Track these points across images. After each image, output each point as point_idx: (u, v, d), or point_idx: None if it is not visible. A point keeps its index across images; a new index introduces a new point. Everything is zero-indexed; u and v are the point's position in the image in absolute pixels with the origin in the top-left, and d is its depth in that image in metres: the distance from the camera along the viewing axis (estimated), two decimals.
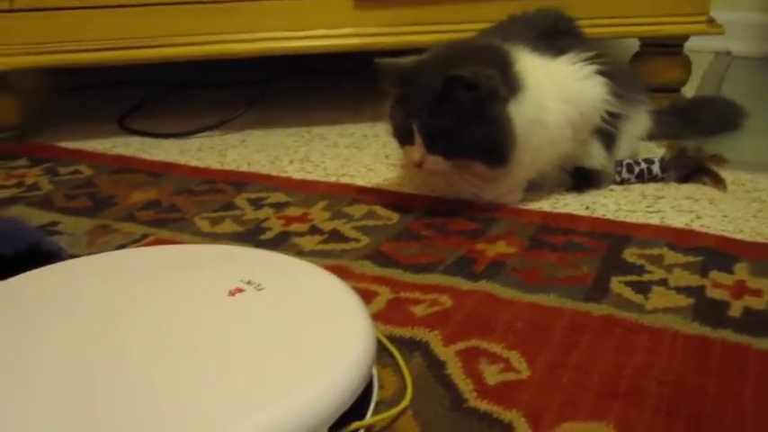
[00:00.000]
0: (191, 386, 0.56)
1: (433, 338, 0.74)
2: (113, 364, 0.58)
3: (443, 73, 0.96)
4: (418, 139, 0.98)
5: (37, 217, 1.07)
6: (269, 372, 0.57)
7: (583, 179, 1.14)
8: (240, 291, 0.67)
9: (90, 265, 0.75)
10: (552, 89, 1.03)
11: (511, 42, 1.05)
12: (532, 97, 1.00)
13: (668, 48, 1.54)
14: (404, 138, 1.01)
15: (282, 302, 0.66)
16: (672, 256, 0.91)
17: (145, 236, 1.00)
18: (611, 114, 1.09)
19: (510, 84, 0.99)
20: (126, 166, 1.27)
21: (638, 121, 1.18)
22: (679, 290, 0.83)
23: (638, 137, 1.20)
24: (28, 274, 0.72)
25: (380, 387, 0.66)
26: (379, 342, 0.68)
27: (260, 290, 0.67)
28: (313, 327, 0.63)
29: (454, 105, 0.96)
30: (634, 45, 1.59)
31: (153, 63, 1.39)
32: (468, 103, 0.96)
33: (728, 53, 2.02)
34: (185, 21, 1.36)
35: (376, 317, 0.78)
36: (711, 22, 1.51)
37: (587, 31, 1.49)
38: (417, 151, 0.99)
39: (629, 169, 1.15)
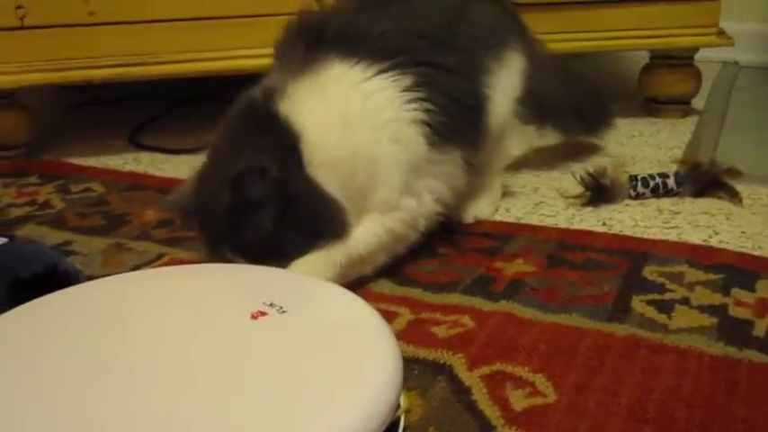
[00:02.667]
0: (215, 414, 0.55)
1: (457, 362, 0.73)
2: (133, 390, 0.58)
3: (218, 179, 0.82)
4: (240, 261, 0.82)
5: (51, 236, 1.06)
6: (297, 399, 0.56)
7: (597, 191, 1.13)
8: (263, 314, 0.66)
9: (108, 287, 0.75)
10: (357, 112, 0.87)
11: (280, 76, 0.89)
12: (320, 136, 0.84)
13: (678, 60, 1.54)
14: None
15: (307, 326, 0.65)
16: (692, 274, 0.90)
17: (161, 255, 0.99)
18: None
19: (289, 141, 0.83)
20: (138, 183, 1.26)
21: (510, 73, 1.02)
22: (702, 308, 0.82)
23: (514, 85, 1.03)
24: (47, 297, 0.71)
25: (407, 411, 0.66)
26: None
27: (283, 312, 0.67)
28: (340, 352, 0.62)
29: (254, 207, 0.81)
30: (644, 57, 1.59)
31: (163, 78, 1.38)
32: (267, 194, 0.81)
33: (736, 63, 2.02)
34: (195, 37, 1.36)
35: (398, 337, 0.77)
36: (721, 33, 1.51)
37: (597, 44, 1.51)
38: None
39: (644, 184, 1.15)
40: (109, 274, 0.93)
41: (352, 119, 0.86)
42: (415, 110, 0.89)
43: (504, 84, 1.01)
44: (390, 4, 0.96)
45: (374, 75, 0.88)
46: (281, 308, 0.67)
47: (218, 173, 0.84)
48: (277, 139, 0.84)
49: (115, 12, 1.32)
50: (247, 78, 1.51)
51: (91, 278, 0.92)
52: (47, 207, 1.17)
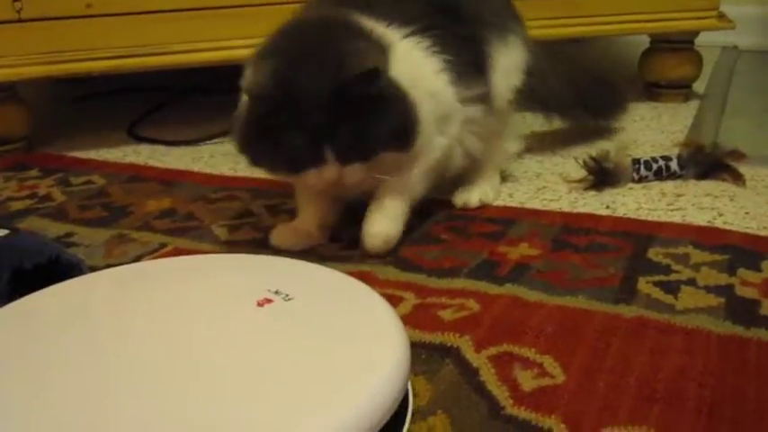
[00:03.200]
0: (223, 401, 0.55)
1: (464, 344, 0.73)
2: (139, 380, 0.57)
3: (329, 73, 0.83)
4: (330, 156, 0.84)
5: (52, 228, 1.06)
6: (305, 386, 0.56)
7: (600, 175, 1.13)
8: (269, 301, 0.66)
9: (112, 278, 0.74)
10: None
11: (355, 10, 0.92)
12: (403, 59, 0.89)
13: (678, 44, 1.53)
14: (305, 163, 0.85)
15: (313, 313, 0.65)
16: (698, 255, 0.90)
17: (163, 245, 0.99)
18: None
19: (383, 51, 0.87)
20: (138, 175, 1.26)
21: (511, 54, 1.04)
22: (708, 289, 0.82)
23: (515, 69, 1.05)
24: (51, 288, 0.71)
25: (414, 395, 0.65)
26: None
27: (289, 300, 0.66)
28: (347, 338, 0.62)
29: (357, 103, 0.83)
30: (644, 42, 1.59)
31: (162, 70, 1.38)
32: (372, 95, 0.84)
33: (735, 47, 2.01)
34: (193, 27, 1.35)
35: (403, 322, 0.77)
36: (722, 17, 1.51)
37: (597, 29, 1.50)
38: (332, 170, 0.85)
39: (647, 167, 1.14)
40: (112, 265, 0.93)
41: (404, 65, 0.90)
42: (438, 62, 0.93)
43: (506, 62, 1.03)
44: None
45: (404, 36, 0.92)
46: (287, 295, 0.67)
47: (320, 65, 0.84)
48: (375, 46, 0.87)
49: (112, 3, 1.32)
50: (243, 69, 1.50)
51: (93, 269, 0.92)
52: (47, 200, 1.17)
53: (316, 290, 0.69)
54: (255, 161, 0.90)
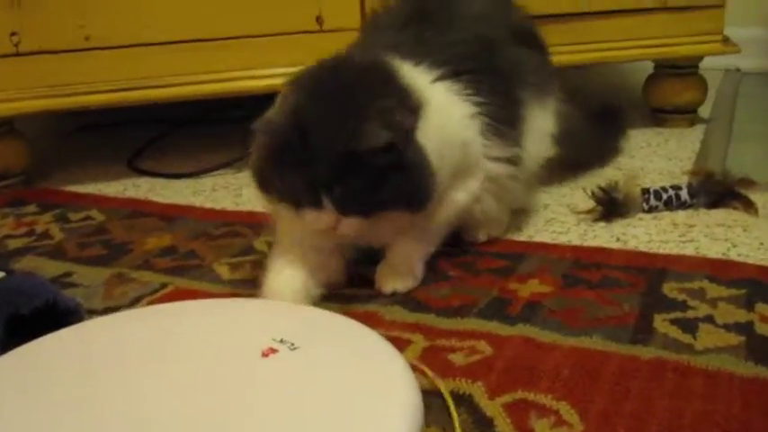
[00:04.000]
0: None
1: (477, 391, 0.70)
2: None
3: (341, 126, 0.79)
4: (328, 206, 0.81)
5: (50, 268, 1.03)
6: None
7: (609, 206, 1.10)
8: (274, 351, 0.64)
9: (110, 326, 0.72)
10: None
11: (389, 50, 0.90)
12: (437, 115, 0.86)
13: (683, 69, 1.52)
14: (303, 202, 0.82)
15: (320, 364, 0.63)
16: (714, 290, 0.87)
17: (164, 285, 0.96)
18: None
19: (413, 108, 0.84)
20: (138, 210, 1.24)
21: (546, 118, 1.04)
22: (727, 327, 0.79)
23: (546, 134, 1.04)
24: (50, 336, 0.69)
25: None
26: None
27: (294, 349, 0.64)
28: (354, 393, 0.59)
29: (366, 162, 0.79)
30: (648, 67, 1.57)
31: (160, 103, 1.36)
32: (385, 156, 0.80)
33: (738, 70, 2.00)
34: (191, 59, 1.34)
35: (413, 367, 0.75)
36: (726, 41, 1.49)
37: (601, 55, 1.49)
38: (328, 216, 0.82)
39: (657, 196, 1.12)
40: (111, 307, 0.91)
41: (458, 125, 0.90)
42: (471, 107, 0.92)
43: (540, 128, 1.03)
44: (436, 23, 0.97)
45: (437, 79, 0.91)
46: (293, 344, 0.65)
47: (338, 114, 0.80)
48: (405, 102, 0.84)
49: (111, 36, 1.30)
50: (248, 98, 1.49)
51: (92, 312, 0.90)
52: (46, 237, 1.14)
53: (322, 338, 0.66)
54: (263, 190, 0.87)
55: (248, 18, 1.35)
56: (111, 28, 1.30)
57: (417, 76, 0.88)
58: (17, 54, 1.27)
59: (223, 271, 1.00)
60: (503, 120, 0.95)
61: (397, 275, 0.91)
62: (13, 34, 1.27)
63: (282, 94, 0.86)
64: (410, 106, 0.83)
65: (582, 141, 1.21)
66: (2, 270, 0.89)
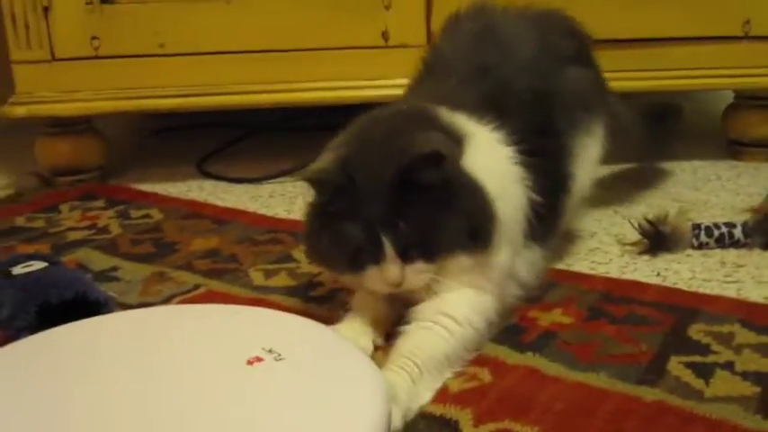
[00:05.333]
0: None
1: (464, 417, 0.70)
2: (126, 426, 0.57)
3: (391, 159, 0.77)
4: (390, 251, 0.77)
5: (100, 261, 1.09)
6: None
7: (655, 239, 1.07)
8: (259, 360, 0.66)
9: (117, 323, 0.76)
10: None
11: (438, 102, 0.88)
12: (481, 150, 0.84)
13: (764, 100, 1.45)
14: (364, 259, 0.78)
15: (300, 376, 0.64)
16: (743, 335, 0.83)
17: (197, 286, 1.00)
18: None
19: (456, 140, 0.82)
20: (195, 212, 1.28)
21: (589, 149, 1.01)
22: (745, 375, 0.76)
23: (593, 161, 1.03)
24: (57, 329, 0.73)
25: None
26: None
27: (279, 360, 0.66)
28: (327, 405, 0.61)
29: (421, 193, 0.77)
30: (728, 97, 1.51)
31: (229, 109, 1.41)
32: (436, 184, 0.77)
33: None
34: (261, 68, 1.38)
35: None
36: None
37: (680, 83, 1.44)
38: (394, 268, 0.77)
39: (708, 233, 1.08)
40: (144, 303, 0.95)
41: (485, 156, 0.85)
42: (525, 190, 0.88)
43: (589, 158, 1.02)
44: (496, 76, 0.95)
45: (503, 141, 0.88)
46: (279, 355, 0.66)
47: (387, 151, 0.78)
48: (447, 134, 0.82)
49: (184, 43, 1.36)
50: (312, 110, 1.52)
51: (126, 306, 0.94)
52: (104, 232, 1.20)
53: (307, 351, 0.68)
54: (317, 256, 0.85)
55: (318, 32, 1.39)
56: (185, 37, 1.36)
57: (467, 125, 0.86)
58: (96, 57, 1.35)
59: (257, 276, 1.03)
60: (544, 213, 0.91)
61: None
62: (93, 38, 1.34)
63: (328, 146, 0.84)
64: (453, 139, 0.82)
65: (632, 139, 1.18)
66: (46, 261, 0.95)
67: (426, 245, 0.78)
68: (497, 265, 0.83)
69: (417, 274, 0.78)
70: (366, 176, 0.77)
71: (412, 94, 0.99)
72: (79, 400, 0.62)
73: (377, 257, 0.77)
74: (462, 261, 0.80)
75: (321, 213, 0.81)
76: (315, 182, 0.80)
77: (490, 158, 0.85)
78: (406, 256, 0.77)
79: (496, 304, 0.84)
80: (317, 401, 0.61)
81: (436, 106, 0.87)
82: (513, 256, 0.87)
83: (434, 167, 0.76)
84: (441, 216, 0.78)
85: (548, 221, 0.93)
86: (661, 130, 1.31)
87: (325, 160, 0.81)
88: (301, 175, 0.81)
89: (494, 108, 0.90)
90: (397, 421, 0.66)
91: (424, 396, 0.73)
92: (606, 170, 1.26)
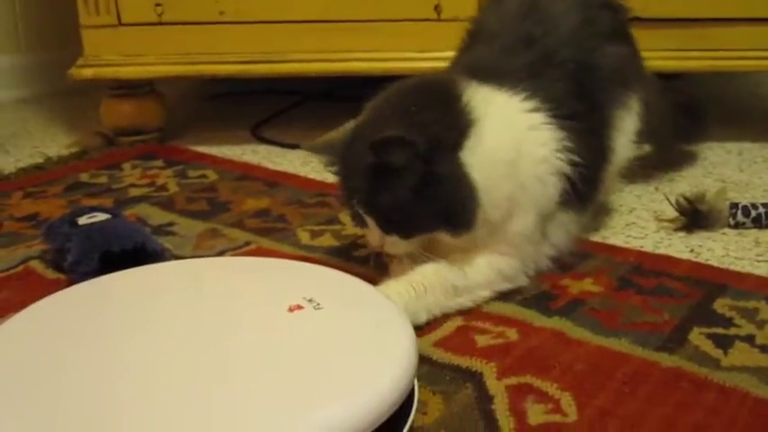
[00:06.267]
0: (240, 394, 0.60)
1: (488, 370, 0.74)
2: (167, 376, 0.62)
3: (370, 139, 0.80)
4: (370, 221, 0.84)
5: (157, 216, 1.16)
6: (314, 386, 0.61)
7: (693, 217, 1.09)
8: (300, 308, 0.71)
9: (169, 271, 0.82)
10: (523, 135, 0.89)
11: (469, 69, 0.91)
12: (491, 133, 0.84)
13: None
14: (357, 221, 0.88)
15: (336, 323, 0.69)
16: None
17: (247, 243, 1.06)
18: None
19: (458, 124, 0.83)
20: (248, 174, 1.34)
21: (627, 123, 1.02)
22: (764, 348, 0.79)
23: (630, 140, 1.04)
24: (114, 274, 0.79)
25: (423, 413, 0.68)
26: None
27: (318, 309, 0.71)
28: (359, 348, 0.66)
29: (394, 174, 0.80)
30: None
31: (286, 77, 1.46)
32: (409, 166, 0.80)
33: None
34: (317, 38, 1.43)
35: (440, 343, 0.80)
36: None
37: (729, 64, 1.44)
38: (373, 234, 0.85)
39: (745, 212, 1.09)
40: (197, 256, 1.01)
41: (520, 142, 0.88)
42: (562, 159, 0.90)
43: (627, 132, 1.03)
44: (539, 49, 0.96)
45: (536, 109, 0.90)
46: (318, 304, 0.71)
47: (374, 131, 0.82)
48: (448, 116, 0.84)
49: (243, 11, 1.42)
50: (365, 80, 1.56)
51: (179, 258, 1.01)
52: (162, 190, 1.27)
53: (345, 301, 0.73)
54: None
55: (373, 4, 1.43)
56: (244, 5, 1.41)
57: (484, 97, 0.87)
58: (160, 23, 1.42)
59: (304, 236, 1.08)
60: (583, 180, 0.93)
61: None
62: (157, 5, 1.40)
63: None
64: (455, 123, 0.84)
65: (660, 133, 1.20)
66: (109, 213, 1.02)
67: (399, 224, 0.83)
68: (515, 231, 0.88)
69: (395, 245, 0.86)
70: (351, 156, 0.85)
71: (455, 64, 1.02)
72: (129, 342, 0.67)
73: (363, 225, 0.87)
74: (444, 239, 0.85)
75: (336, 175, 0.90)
76: (320, 153, 0.92)
77: (503, 135, 0.86)
78: (384, 228, 0.84)
79: (520, 266, 0.90)
80: (350, 347, 0.66)
81: (463, 80, 0.88)
82: (539, 222, 0.90)
83: (400, 151, 0.79)
84: (412, 200, 0.81)
85: (584, 189, 0.95)
86: (686, 123, 1.32)
87: (326, 137, 0.91)
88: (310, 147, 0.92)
89: (535, 77, 0.92)
90: None
91: (419, 316, 0.82)
92: (648, 149, 1.27)
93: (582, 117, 0.94)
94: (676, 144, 1.31)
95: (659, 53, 1.41)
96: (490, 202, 0.83)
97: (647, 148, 1.25)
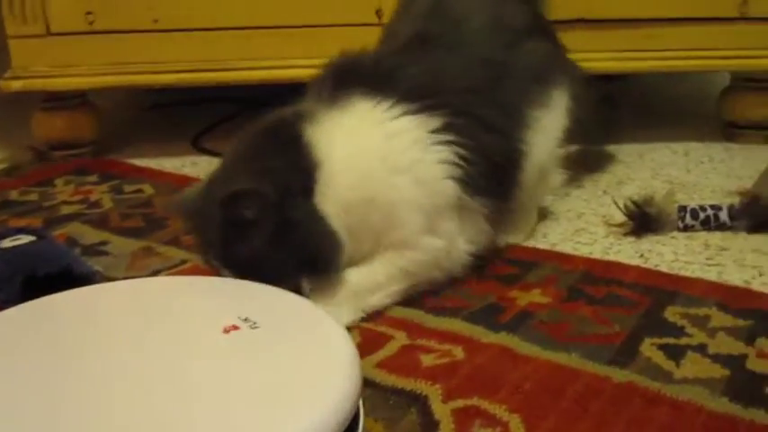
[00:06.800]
0: (179, 423, 0.55)
1: (434, 393, 0.71)
2: (99, 399, 0.59)
3: (221, 193, 0.80)
4: (227, 275, 0.82)
5: (90, 235, 1.10)
6: (252, 413, 0.57)
7: (641, 221, 1.07)
8: (235, 328, 0.67)
9: (98, 294, 0.77)
10: (380, 153, 0.86)
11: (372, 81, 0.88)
12: (338, 171, 0.83)
13: (761, 82, 1.45)
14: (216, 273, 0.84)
15: (273, 344, 0.66)
16: (719, 318, 0.84)
17: (183, 261, 1.01)
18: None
19: (305, 168, 0.82)
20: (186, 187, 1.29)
21: (546, 122, 0.98)
22: (716, 358, 0.77)
23: (554, 139, 1.00)
24: (38, 300, 0.74)
25: None
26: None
27: (254, 328, 0.67)
28: (299, 370, 0.62)
29: (247, 226, 0.79)
30: (724, 79, 1.50)
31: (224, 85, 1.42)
32: (262, 218, 0.79)
33: None
34: (256, 45, 1.38)
35: (384, 364, 0.77)
36: None
37: (672, 64, 1.43)
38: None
39: (694, 215, 1.08)
40: (130, 277, 0.96)
41: (374, 160, 0.85)
42: (442, 152, 0.87)
43: (546, 130, 0.98)
44: (437, 46, 0.94)
45: (400, 115, 0.87)
46: (255, 323, 0.68)
47: (223, 184, 0.83)
48: (294, 162, 0.83)
49: (179, 19, 1.36)
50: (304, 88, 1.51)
51: (111, 280, 0.95)
52: (96, 206, 1.22)
53: (282, 320, 0.70)
54: None
55: (312, 8, 1.39)
56: (179, 12, 1.36)
57: (370, 116, 0.86)
58: (91, 32, 1.36)
59: None
60: (486, 165, 0.90)
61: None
62: (88, 13, 1.35)
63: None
64: (301, 167, 0.83)
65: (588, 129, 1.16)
66: (34, 235, 0.96)
67: (258, 277, 0.78)
68: (403, 235, 0.86)
69: None
70: (203, 212, 0.83)
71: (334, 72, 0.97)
72: (56, 373, 0.62)
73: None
74: (307, 284, 0.82)
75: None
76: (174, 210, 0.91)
77: (352, 167, 0.84)
78: (243, 275, 0.80)
79: (426, 258, 0.88)
80: (288, 370, 0.62)
81: (306, 116, 0.86)
82: (433, 218, 0.87)
83: (250, 204, 0.78)
84: (270, 250, 0.80)
85: (491, 187, 0.91)
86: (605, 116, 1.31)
87: (187, 192, 0.89)
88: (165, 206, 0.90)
89: (422, 77, 0.89)
90: None
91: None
92: (592, 151, 1.26)
93: (480, 117, 0.90)
94: (604, 140, 1.29)
95: (605, 54, 1.40)
96: (354, 236, 0.83)
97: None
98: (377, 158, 0.85)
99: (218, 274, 0.83)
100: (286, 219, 0.80)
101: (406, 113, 0.87)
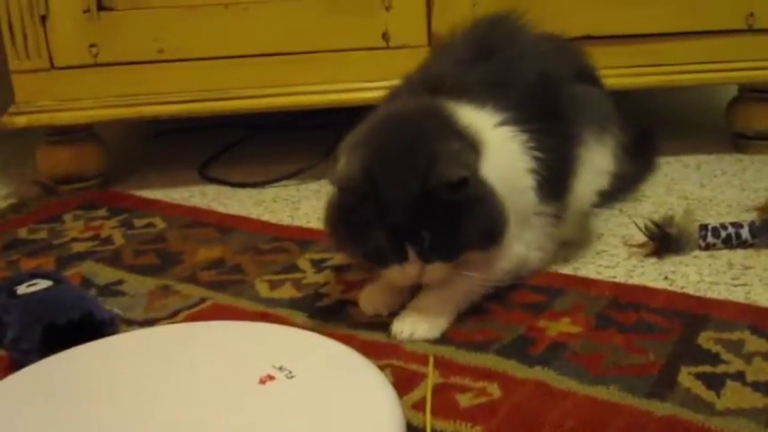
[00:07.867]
0: None
1: None
2: None
3: (417, 178, 0.82)
4: (413, 255, 0.84)
5: (104, 274, 1.08)
6: None
7: (662, 241, 1.06)
8: (271, 378, 0.66)
9: (125, 344, 0.76)
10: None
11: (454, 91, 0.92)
12: (494, 152, 0.88)
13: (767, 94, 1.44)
14: (387, 258, 0.85)
15: (312, 394, 0.65)
16: (753, 343, 0.83)
17: (203, 299, 0.99)
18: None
19: (475, 148, 0.87)
20: (198, 220, 1.28)
21: (601, 155, 1.02)
22: (756, 386, 0.75)
23: (602, 171, 1.03)
24: (67, 352, 0.73)
25: None
26: None
27: (291, 378, 0.66)
28: (340, 421, 0.61)
29: (442, 206, 0.82)
30: (731, 90, 1.50)
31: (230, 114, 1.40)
32: (459, 193, 0.83)
33: None
34: (261, 73, 1.37)
35: (420, 405, 0.75)
36: None
37: (679, 78, 1.42)
38: (414, 267, 0.85)
39: (715, 234, 1.07)
40: (149, 319, 0.95)
41: (497, 156, 0.89)
42: (530, 161, 0.92)
43: (595, 165, 1.02)
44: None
45: (501, 123, 0.92)
46: (290, 372, 0.67)
47: (406, 164, 0.83)
48: (468, 143, 0.87)
49: (183, 49, 1.35)
50: (313, 112, 1.51)
51: (131, 323, 0.94)
52: (107, 243, 1.20)
53: (319, 368, 0.68)
54: (341, 248, 0.92)
55: (318, 34, 1.38)
56: (184, 42, 1.35)
57: (478, 119, 0.90)
58: (95, 65, 1.34)
59: (262, 288, 1.02)
60: (555, 172, 0.95)
61: (420, 321, 0.88)
62: (92, 46, 1.33)
63: (345, 152, 0.89)
64: (473, 148, 0.87)
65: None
66: (50, 279, 0.94)
67: (445, 250, 0.84)
68: (511, 255, 0.93)
69: (436, 271, 0.86)
70: (391, 188, 0.83)
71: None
72: (92, 425, 0.61)
73: (400, 259, 0.84)
74: (476, 256, 0.87)
75: (345, 215, 0.86)
76: (344, 189, 0.85)
77: (502, 160, 0.90)
78: (428, 258, 0.84)
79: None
80: (330, 421, 0.61)
81: (450, 102, 0.90)
82: (525, 253, 0.96)
83: (458, 192, 0.82)
84: (458, 225, 0.83)
85: (555, 191, 0.97)
86: (642, 156, 1.32)
87: (351, 166, 0.85)
88: (330, 181, 0.87)
89: (500, 97, 0.93)
90: None
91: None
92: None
93: (548, 159, 0.94)
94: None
95: (613, 71, 1.39)
96: (510, 214, 0.87)
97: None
98: (498, 157, 0.89)
99: (389, 256, 0.84)
100: (475, 194, 0.84)
101: (506, 122, 0.92)
